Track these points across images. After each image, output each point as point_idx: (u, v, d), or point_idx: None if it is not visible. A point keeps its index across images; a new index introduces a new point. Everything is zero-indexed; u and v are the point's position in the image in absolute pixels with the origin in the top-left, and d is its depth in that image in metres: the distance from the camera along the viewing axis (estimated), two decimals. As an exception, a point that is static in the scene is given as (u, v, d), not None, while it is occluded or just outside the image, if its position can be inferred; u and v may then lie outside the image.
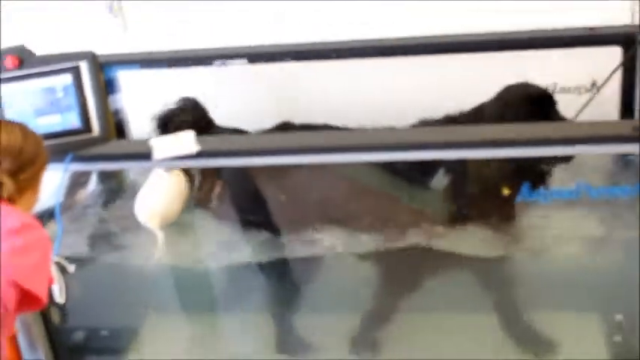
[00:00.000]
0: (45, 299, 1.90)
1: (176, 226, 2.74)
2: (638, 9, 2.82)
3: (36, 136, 2.09)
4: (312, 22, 3.12)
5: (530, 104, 2.57)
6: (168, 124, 2.79)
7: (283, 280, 2.89)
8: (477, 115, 2.62)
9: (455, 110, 2.66)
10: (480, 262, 2.68)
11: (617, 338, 2.70)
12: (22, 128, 2.06)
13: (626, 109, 2.79)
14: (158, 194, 2.67)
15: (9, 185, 1.93)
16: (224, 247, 2.84)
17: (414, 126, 2.71)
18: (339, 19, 3.08)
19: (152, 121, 2.84)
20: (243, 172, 2.73)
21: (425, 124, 2.68)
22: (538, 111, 2.55)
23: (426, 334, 2.83)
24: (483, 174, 2.58)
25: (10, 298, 1.78)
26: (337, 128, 2.76)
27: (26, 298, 1.84)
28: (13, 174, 1.95)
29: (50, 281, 2.37)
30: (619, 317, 2.73)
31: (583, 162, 2.60)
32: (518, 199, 2.40)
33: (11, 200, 1.95)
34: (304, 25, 3.12)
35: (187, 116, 2.79)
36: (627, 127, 2.21)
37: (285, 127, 2.80)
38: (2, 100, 2.24)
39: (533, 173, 2.45)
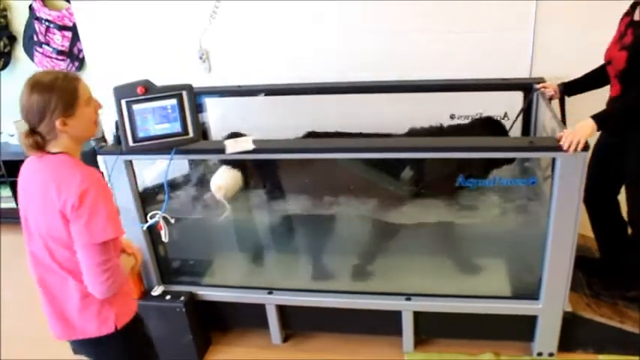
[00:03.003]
0: (119, 233, 1.69)
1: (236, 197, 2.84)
2: (530, 68, 2.93)
3: (40, 89, 1.64)
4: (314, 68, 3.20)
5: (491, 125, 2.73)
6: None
7: (297, 230, 2.95)
8: (460, 130, 2.73)
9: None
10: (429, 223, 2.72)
11: (516, 275, 2.72)
12: (27, 88, 1.65)
13: (525, 131, 2.88)
14: (225, 177, 2.80)
15: (32, 139, 1.66)
16: (262, 210, 2.94)
17: (408, 132, 2.74)
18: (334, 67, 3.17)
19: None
20: (275, 164, 2.82)
21: (430, 131, 2.72)
22: (494, 130, 2.72)
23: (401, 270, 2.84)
24: (433, 170, 2.67)
25: (97, 252, 1.65)
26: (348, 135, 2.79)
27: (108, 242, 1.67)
28: (32, 131, 1.66)
29: (159, 227, 2.47)
30: (516, 261, 2.76)
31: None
32: (457, 185, 2.46)
33: (46, 142, 1.68)
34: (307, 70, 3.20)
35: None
36: (525, 141, 2.35)
37: (310, 134, 2.86)
38: (135, 114, 2.28)
39: (464, 170, 2.48)
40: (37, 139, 1.67)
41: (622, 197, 2.57)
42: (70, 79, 1.70)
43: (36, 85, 1.66)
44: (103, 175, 1.83)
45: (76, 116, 1.69)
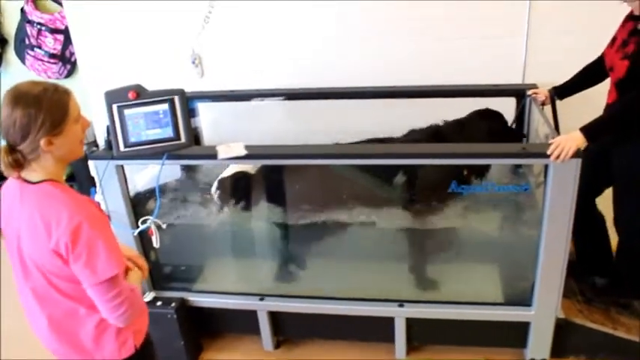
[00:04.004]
0: (123, 265, 1.58)
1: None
2: (522, 74, 2.95)
3: (25, 105, 1.44)
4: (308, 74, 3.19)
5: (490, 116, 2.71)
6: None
7: (289, 236, 2.90)
8: (458, 125, 2.70)
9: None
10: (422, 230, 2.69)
11: (509, 282, 2.70)
12: (9, 100, 1.46)
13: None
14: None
15: (11, 157, 1.47)
16: (258, 215, 2.89)
17: (407, 134, 2.70)
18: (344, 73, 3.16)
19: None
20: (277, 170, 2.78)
21: (429, 130, 2.69)
22: (494, 120, 2.70)
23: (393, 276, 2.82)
24: (425, 176, 2.65)
25: (106, 289, 1.51)
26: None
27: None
28: (11, 149, 1.48)
29: (150, 233, 2.40)
30: (508, 268, 2.74)
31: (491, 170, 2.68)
32: (449, 191, 2.40)
33: (27, 162, 1.49)
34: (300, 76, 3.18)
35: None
36: (518, 147, 2.32)
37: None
38: (126, 119, 2.24)
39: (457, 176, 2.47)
40: (18, 157, 1.48)
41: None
42: (61, 92, 1.52)
43: (21, 97, 1.46)
44: (93, 202, 1.65)
45: (63, 135, 1.51)
